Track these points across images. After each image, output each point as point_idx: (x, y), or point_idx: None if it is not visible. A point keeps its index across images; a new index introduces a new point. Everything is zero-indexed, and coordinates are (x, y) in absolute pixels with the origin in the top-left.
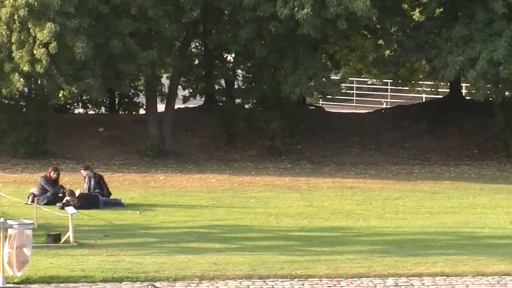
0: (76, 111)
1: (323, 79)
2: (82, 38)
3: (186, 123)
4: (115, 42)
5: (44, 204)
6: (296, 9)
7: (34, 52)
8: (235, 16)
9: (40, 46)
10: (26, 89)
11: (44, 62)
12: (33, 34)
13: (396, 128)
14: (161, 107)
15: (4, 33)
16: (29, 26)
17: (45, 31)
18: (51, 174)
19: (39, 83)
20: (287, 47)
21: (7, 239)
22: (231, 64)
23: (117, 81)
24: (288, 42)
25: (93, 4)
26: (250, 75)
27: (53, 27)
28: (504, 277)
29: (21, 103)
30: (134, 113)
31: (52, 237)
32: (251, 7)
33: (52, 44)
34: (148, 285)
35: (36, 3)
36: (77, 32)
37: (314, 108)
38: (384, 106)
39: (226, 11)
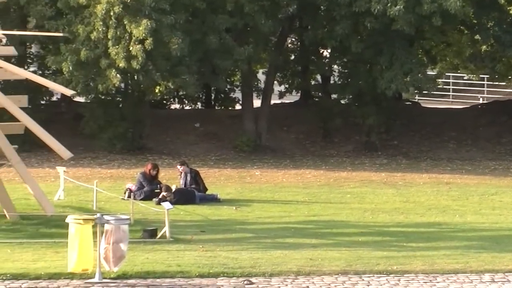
0: (172, 106)
1: (419, 75)
2: (177, 34)
3: (282, 118)
4: (212, 38)
5: (140, 200)
6: (389, 5)
7: (130, 49)
8: (331, 12)
9: (136, 43)
10: (122, 85)
11: (140, 58)
12: (129, 31)
13: (493, 123)
14: (257, 103)
15: (100, 29)
16: (125, 22)
17: (140, 28)
18: (150, 171)
19: (135, 79)
20: (383, 43)
21: (104, 234)
22: (327, 60)
23: (213, 76)
24: (384, 38)
25: (189, 0)
26: (346, 71)
27: (148, 23)
28: None
29: (118, 98)
30: (230, 108)
31: (148, 233)
32: (347, 2)
33: (148, 41)
34: (244, 281)
35: (130, 1)
36: (173, 28)
37: (410, 103)
38: (481, 101)
39: (322, 7)
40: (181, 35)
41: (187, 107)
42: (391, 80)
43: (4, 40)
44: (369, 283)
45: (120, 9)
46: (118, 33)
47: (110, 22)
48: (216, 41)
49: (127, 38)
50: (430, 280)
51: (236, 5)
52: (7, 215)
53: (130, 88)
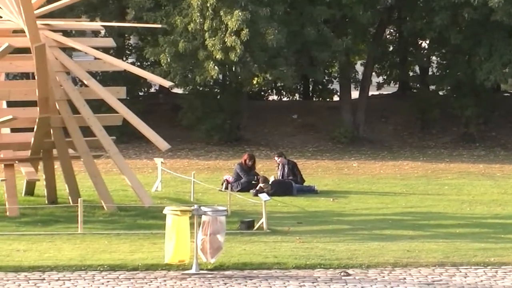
0: (270, 98)
1: None
2: (274, 25)
3: (380, 109)
4: (310, 29)
5: (237, 191)
6: None
7: (226, 40)
8: (430, 2)
9: (232, 34)
10: (220, 76)
11: (238, 50)
12: (225, 22)
13: None
14: (354, 94)
15: (197, 21)
16: (221, 13)
17: (233, 19)
18: (247, 161)
19: (233, 70)
20: (482, 34)
21: (201, 225)
22: (425, 51)
23: (311, 68)
24: (483, 29)
25: None
26: (444, 62)
27: (241, 14)
28: None
29: (216, 90)
30: (328, 100)
31: (245, 224)
32: None
33: (243, 32)
34: (341, 272)
35: None
36: (270, 20)
37: (508, 94)
38: None
39: None
40: (278, 26)
41: (285, 99)
42: (490, 71)
43: (103, 32)
44: (466, 274)
45: (215, 1)
46: (214, 24)
47: (207, 13)
48: (314, 32)
49: (223, 29)
50: None
51: None
52: (105, 207)
53: (228, 79)
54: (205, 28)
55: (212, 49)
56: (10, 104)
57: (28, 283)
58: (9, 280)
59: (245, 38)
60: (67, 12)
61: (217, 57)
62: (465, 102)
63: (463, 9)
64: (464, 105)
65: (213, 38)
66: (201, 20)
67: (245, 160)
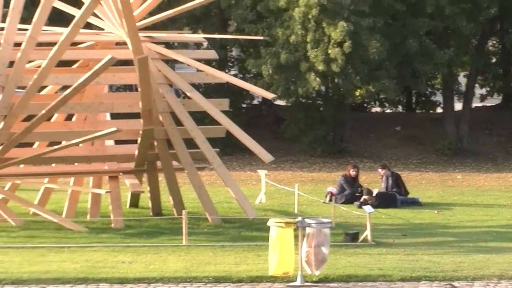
0: (373, 109)
1: None
2: (376, 37)
3: (484, 121)
4: (412, 41)
5: (341, 203)
6: None
7: (329, 52)
8: None
9: (335, 46)
10: (323, 88)
11: (339, 61)
12: (328, 33)
13: None
14: (458, 106)
15: (299, 32)
16: (323, 25)
17: (337, 30)
18: (350, 172)
19: (335, 82)
20: None
21: (305, 237)
22: None
23: (414, 80)
24: None
25: (388, 3)
26: None
27: (345, 25)
28: None
29: (318, 102)
30: (431, 111)
31: (350, 236)
32: None
33: (346, 43)
34: (446, 285)
35: (328, 2)
36: (372, 31)
37: None
38: None
39: None
40: (380, 38)
41: (388, 110)
42: None
43: (205, 44)
44: None
45: (318, 11)
46: (317, 36)
47: (309, 25)
48: (416, 44)
49: (325, 41)
50: None
51: (437, 7)
52: (209, 218)
53: (331, 91)
54: (307, 40)
55: (314, 60)
56: (114, 116)
57: None
58: None
59: (348, 50)
60: (169, 24)
61: (319, 68)
62: None
63: None
64: None
65: (315, 50)
66: (303, 32)
67: (349, 171)
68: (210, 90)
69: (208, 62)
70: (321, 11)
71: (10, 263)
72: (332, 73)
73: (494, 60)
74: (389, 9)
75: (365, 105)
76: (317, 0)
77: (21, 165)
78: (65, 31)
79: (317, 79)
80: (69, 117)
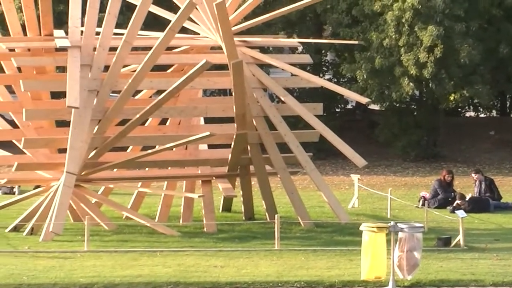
0: (467, 114)
1: None
2: (469, 41)
3: None
4: (505, 46)
5: (434, 208)
6: None
7: (419, 56)
8: None
9: (425, 50)
10: (417, 93)
11: (429, 68)
12: (420, 37)
13: None
14: None
15: (393, 36)
16: (416, 29)
17: (427, 34)
18: (445, 177)
19: (429, 86)
20: None
21: (398, 242)
22: None
23: (508, 84)
24: None
25: (484, 7)
26: None
27: (435, 30)
28: None
29: (412, 106)
30: None
31: (442, 241)
32: None
33: (437, 48)
34: None
35: (421, 6)
36: (465, 36)
37: None
38: None
39: None
40: (474, 42)
41: (482, 115)
42: None
43: (300, 48)
44: None
45: (411, 15)
46: (410, 40)
47: (403, 29)
48: (509, 49)
49: (418, 45)
50: None
51: None
52: (301, 223)
53: (425, 96)
54: (399, 44)
55: (407, 64)
56: (207, 120)
57: None
58: None
59: (439, 54)
60: (265, 29)
61: (412, 73)
62: None
63: None
64: None
65: (408, 54)
66: (396, 36)
67: (444, 176)
68: (304, 95)
69: (302, 66)
70: (415, 15)
71: (102, 267)
72: (425, 78)
73: None
74: (484, 13)
75: (459, 109)
76: (410, 4)
77: (115, 169)
78: (160, 35)
79: (411, 84)
80: (163, 122)
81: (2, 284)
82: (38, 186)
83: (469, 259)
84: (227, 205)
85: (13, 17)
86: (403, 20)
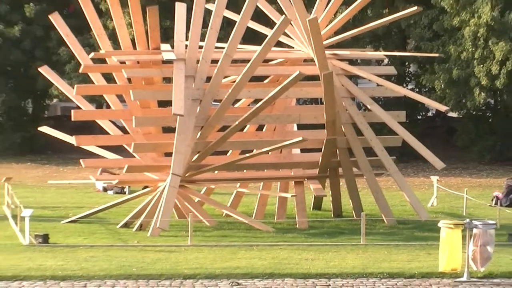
0: None
1: None
2: None
3: None
4: None
5: (506, 206)
6: None
7: (492, 68)
8: None
9: (498, 63)
10: (492, 101)
11: (502, 79)
12: (493, 51)
13: None
14: None
15: (470, 50)
16: (489, 44)
17: (498, 49)
18: None
19: (503, 96)
20: None
21: (472, 238)
22: None
23: None
24: None
25: None
26: None
27: (507, 45)
28: None
29: (487, 114)
30: None
31: None
32: None
33: (508, 61)
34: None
35: (495, 23)
36: None
37: None
38: None
39: None
40: None
41: None
42: None
43: (386, 61)
44: None
45: (486, 31)
46: (484, 53)
47: (478, 43)
48: None
49: (491, 58)
50: None
51: None
52: (385, 220)
53: (498, 104)
54: (475, 56)
55: (479, 76)
56: (300, 126)
57: None
58: (298, 286)
59: (510, 67)
60: (353, 43)
61: (483, 84)
62: None
63: None
64: None
65: (481, 66)
66: (473, 49)
67: None
68: (389, 103)
69: (387, 77)
70: (489, 31)
71: (204, 259)
72: (498, 88)
73: None
74: None
75: None
76: (485, 21)
77: (216, 171)
78: (257, 49)
79: (482, 93)
80: (260, 128)
81: (114, 274)
82: (146, 187)
83: None
84: (318, 204)
85: (123, 33)
86: (479, 35)
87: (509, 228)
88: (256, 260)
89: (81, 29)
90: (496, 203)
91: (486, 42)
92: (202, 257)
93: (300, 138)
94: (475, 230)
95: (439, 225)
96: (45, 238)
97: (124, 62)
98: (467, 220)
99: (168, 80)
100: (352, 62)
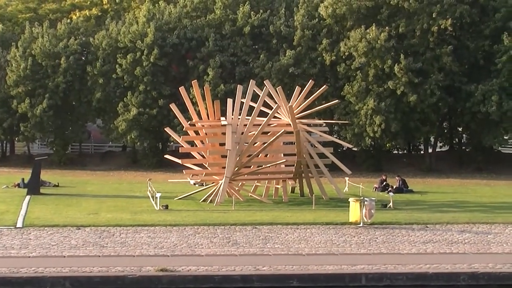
0: None
1: None
2: (396, 122)
3: None
4: None
5: (380, 192)
6: None
7: (374, 128)
8: None
9: (377, 126)
10: (372, 143)
11: (378, 133)
12: (375, 120)
13: None
14: None
15: (363, 120)
16: (373, 117)
17: (377, 119)
18: (383, 177)
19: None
20: None
21: (364, 206)
22: None
23: None
24: None
25: None
26: None
27: (381, 117)
28: None
29: (370, 149)
30: None
31: (383, 205)
32: None
33: (382, 124)
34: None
35: (375, 107)
36: (394, 119)
37: None
38: None
39: None
40: None
41: None
42: None
43: (324, 124)
44: None
45: (371, 112)
46: (370, 121)
47: (367, 117)
48: None
49: (374, 123)
50: None
51: None
52: (324, 197)
53: (376, 144)
54: (366, 123)
55: (369, 131)
56: (285, 154)
57: None
58: (284, 229)
59: (383, 127)
60: (309, 115)
61: (370, 135)
62: None
63: None
64: None
65: (370, 127)
66: (364, 119)
67: (382, 177)
68: (324, 144)
69: (324, 131)
70: (373, 111)
71: (239, 216)
72: (376, 137)
73: None
74: None
75: (390, 150)
76: (371, 107)
77: (245, 175)
78: (265, 119)
79: (369, 140)
80: (266, 155)
81: (198, 223)
82: (213, 182)
83: (395, 213)
84: (292, 190)
85: (203, 112)
86: (368, 113)
87: (381, 202)
88: (264, 216)
89: (184, 111)
90: (375, 190)
91: (371, 116)
92: (238, 215)
93: (284, 160)
94: (366, 202)
95: (349, 200)
96: (166, 207)
97: (204, 125)
98: (362, 197)
99: (224, 133)
100: (308, 125)
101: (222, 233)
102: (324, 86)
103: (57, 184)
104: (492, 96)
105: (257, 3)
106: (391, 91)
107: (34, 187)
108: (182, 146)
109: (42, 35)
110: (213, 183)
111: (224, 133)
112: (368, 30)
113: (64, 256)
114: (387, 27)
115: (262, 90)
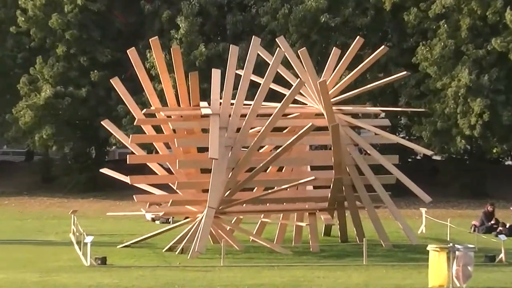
0: (506, 163)
1: None
2: (509, 108)
3: None
4: None
5: (482, 233)
6: None
7: (471, 120)
8: None
9: (476, 116)
10: (468, 147)
11: (478, 129)
12: (472, 107)
13: None
14: None
15: (451, 106)
16: (469, 101)
17: (476, 105)
18: (488, 208)
19: (478, 142)
20: None
21: (455, 259)
22: None
23: None
24: None
25: None
26: None
27: (481, 101)
28: None
29: (465, 157)
30: None
31: (488, 258)
32: None
33: (484, 114)
34: None
35: (472, 84)
36: (506, 104)
37: None
38: None
39: None
40: None
41: None
42: None
43: (381, 114)
44: None
45: (465, 91)
46: (464, 109)
47: (459, 101)
48: None
49: (470, 112)
50: None
51: None
52: (383, 244)
53: (474, 149)
54: (457, 111)
55: (462, 127)
56: (312, 167)
57: None
58: None
59: (487, 119)
60: (355, 100)
61: (465, 133)
62: None
63: None
64: None
65: (463, 119)
66: (454, 106)
67: (487, 207)
68: (384, 149)
69: (383, 127)
70: (468, 90)
71: (234, 278)
72: (475, 136)
73: None
74: None
75: (500, 159)
76: (464, 82)
77: (244, 205)
78: (278, 105)
79: (462, 141)
80: (280, 168)
81: None
82: (187, 217)
83: (509, 271)
84: (327, 231)
85: (170, 93)
86: (459, 94)
87: (485, 251)
88: (277, 278)
89: (136, 90)
90: (474, 230)
91: (465, 99)
92: (233, 276)
93: (313, 177)
94: (457, 253)
95: (427, 248)
96: (103, 260)
97: (170, 116)
98: (451, 244)
99: (205, 130)
100: (354, 115)
101: None
102: (382, 46)
103: None
104: None
105: None
106: (499, 56)
107: None
108: (132, 153)
109: None
110: (186, 218)
111: (205, 130)
112: None
113: None
114: None
115: (272, 54)
